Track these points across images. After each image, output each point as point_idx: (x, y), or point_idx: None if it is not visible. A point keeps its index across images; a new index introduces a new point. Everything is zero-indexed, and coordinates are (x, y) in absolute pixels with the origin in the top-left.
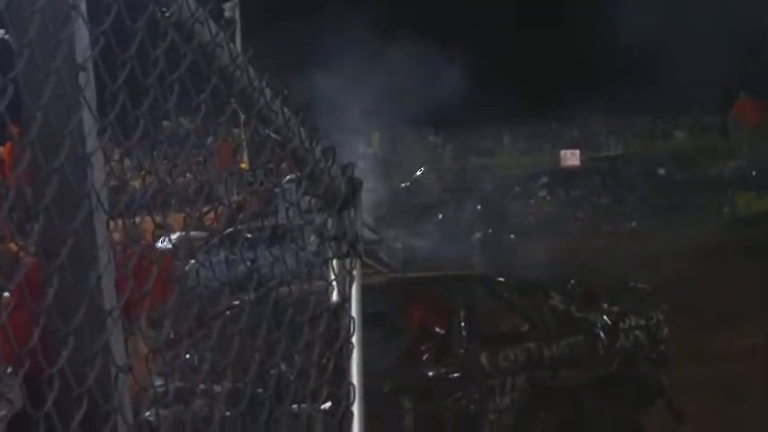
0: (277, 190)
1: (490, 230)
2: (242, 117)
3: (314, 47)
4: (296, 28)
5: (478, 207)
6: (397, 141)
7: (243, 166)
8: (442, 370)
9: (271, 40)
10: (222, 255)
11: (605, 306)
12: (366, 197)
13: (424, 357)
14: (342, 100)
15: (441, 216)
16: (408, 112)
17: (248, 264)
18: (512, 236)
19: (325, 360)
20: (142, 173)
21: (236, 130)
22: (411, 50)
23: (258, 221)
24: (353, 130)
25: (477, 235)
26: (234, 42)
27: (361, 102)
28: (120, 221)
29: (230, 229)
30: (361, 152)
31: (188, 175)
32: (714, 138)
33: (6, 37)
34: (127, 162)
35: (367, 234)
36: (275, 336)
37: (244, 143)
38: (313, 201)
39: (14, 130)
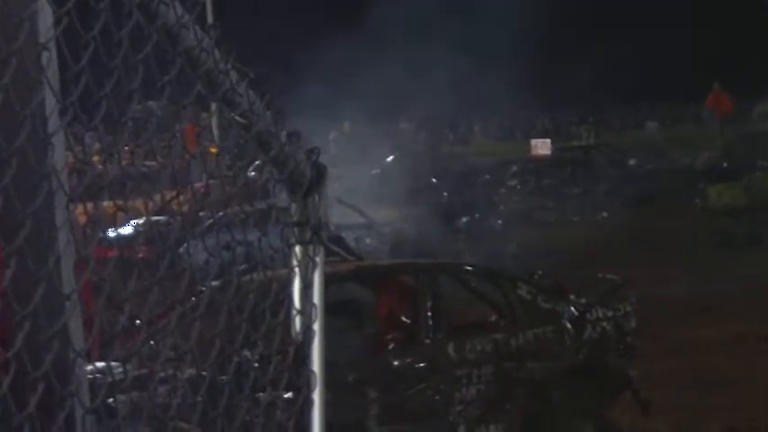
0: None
1: (477, 215)
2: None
3: (285, 30)
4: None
5: (446, 195)
6: (368, 127)
7: (213, 150)
8: (408, 360)
9: (244, 22)
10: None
11: (573, 297)
12: (336, 183)
13: (390, 347)
14: (313, 83)
15: (423, 201)
16: (380, 98)
17: (211, 250)
18: (499, 221)
19: (286, 348)
20: (105, 155)
21: (204, 114)
22: (391, 34)
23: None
24: (324, 115)
25: (464, 220)
26: (205, 23)
27: (333, 86)
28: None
29: (194, 215)
30: (332, 138)
31: (153, 159)
32: (687, 128)
33: None
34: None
35: (356, 218)
36: (237, 322)
37: (213, 127)
38: (278, 186)
39: None
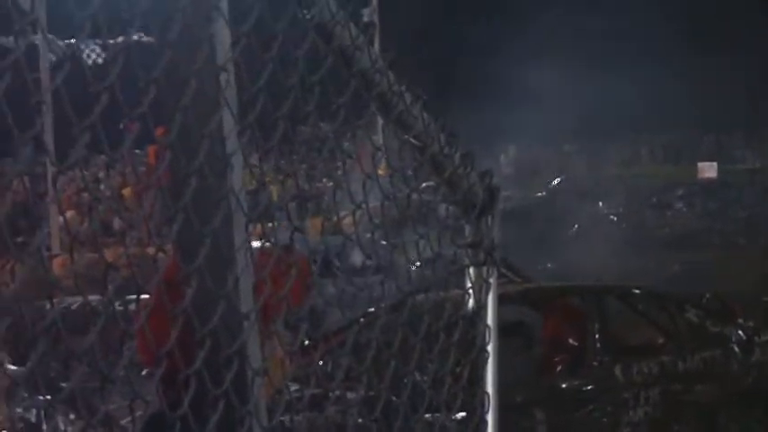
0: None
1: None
2: (380, 122)
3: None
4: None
5: (613, 218)
6: (533, 151)
7: (381, 172)
8: (576, 382)
9: (408, 45)
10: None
11: (740, 321)
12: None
13: (558, 369)
14: (481, 109)
15: (577, 226)
16: (546, 122)
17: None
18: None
19: (460, 369)
20: (280, 177)
21: (374, 137)
22: (552, 58)
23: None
24: (491, 140)
25: (614, 245)
26: (372, 46)
27: (500, 110)
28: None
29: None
30: (500, 161)
31: (326, 179)
32: None
33: (142, 38)
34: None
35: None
36: (410, 343)
37: (383, 148)
38: (451, 208)
39: (159, 132)
